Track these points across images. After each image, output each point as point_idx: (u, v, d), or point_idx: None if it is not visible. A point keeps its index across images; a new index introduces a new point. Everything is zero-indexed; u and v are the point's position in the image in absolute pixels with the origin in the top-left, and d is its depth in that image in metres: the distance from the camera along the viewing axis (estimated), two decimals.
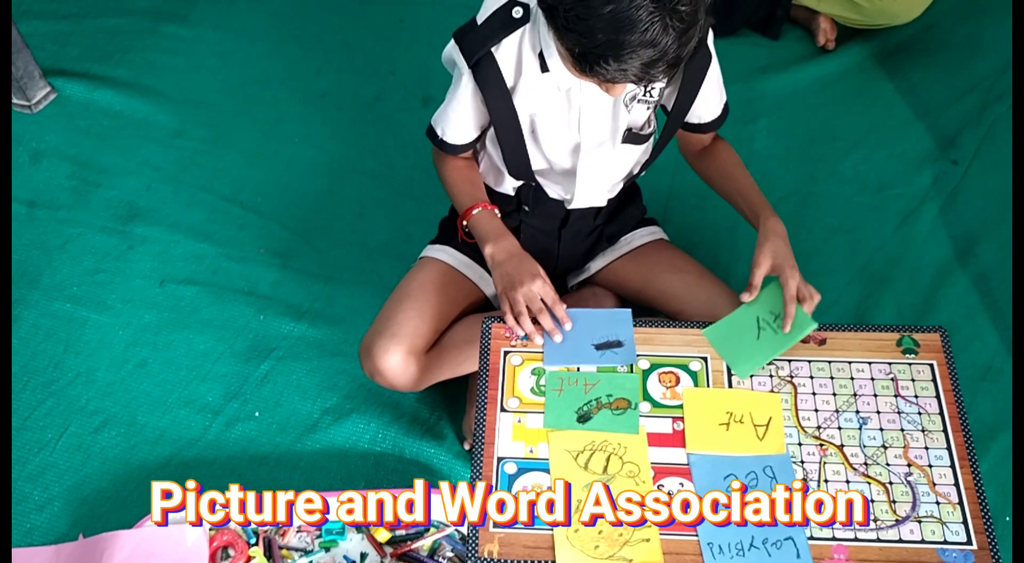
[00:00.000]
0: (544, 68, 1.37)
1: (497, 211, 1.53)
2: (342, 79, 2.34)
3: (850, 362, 1.40)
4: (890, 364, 1.39)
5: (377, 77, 2.35)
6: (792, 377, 1.38)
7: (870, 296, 1.90)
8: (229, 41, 2.43)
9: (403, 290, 1.61)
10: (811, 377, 1.38)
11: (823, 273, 1.94)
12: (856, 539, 1.23)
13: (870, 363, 1.39)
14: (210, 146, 2.21)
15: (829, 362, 1.40)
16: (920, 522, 1.25)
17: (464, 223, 1.53)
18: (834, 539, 1.23)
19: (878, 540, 1.23)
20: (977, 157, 2.12)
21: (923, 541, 1.23)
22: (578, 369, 1.40)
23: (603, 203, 1.62)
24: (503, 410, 1.37)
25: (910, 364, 1.39)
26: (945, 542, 1.23)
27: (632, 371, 1.39)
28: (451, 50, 1.42)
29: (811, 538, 1.23)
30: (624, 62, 1.13)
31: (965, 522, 1.24)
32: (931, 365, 1.39)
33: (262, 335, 1.88)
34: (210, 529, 1.56)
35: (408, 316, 1.55)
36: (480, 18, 1.37)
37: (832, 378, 1.38)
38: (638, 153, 1.55)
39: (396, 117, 2.26)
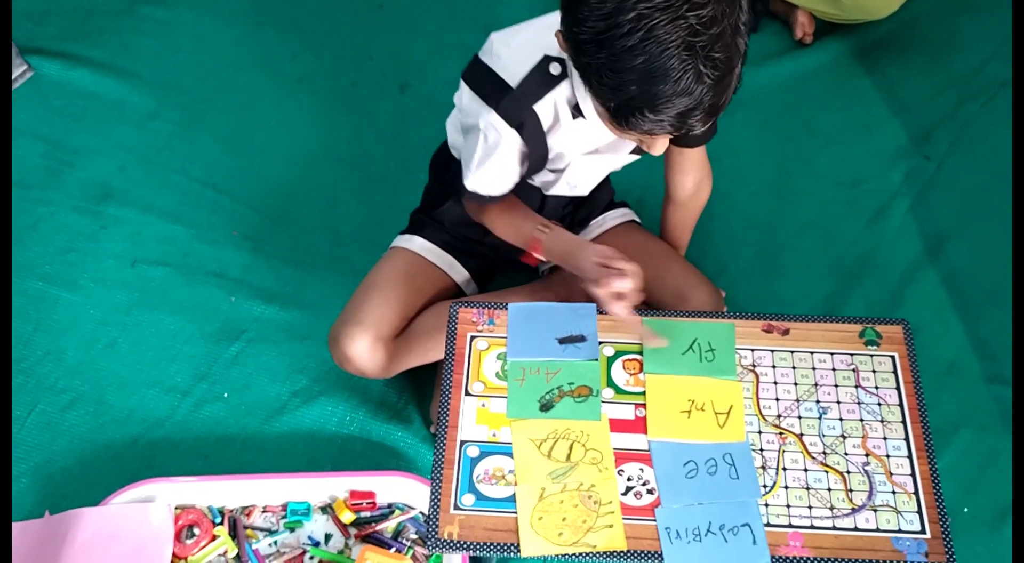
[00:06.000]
0: (576, 114, 1.35)
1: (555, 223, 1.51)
2: (319, 64, 2.33)
3: (812, 352, 1.40)
4: (852, 355, 1.40)
5: (354, 63, 2.33)
6: (755, 366, 1.39)
7: (839, 291, 1.90)
8: (205, 23, 2.41)
9: (371, 280, 1.62)
10: (773, 366, 1.39)
11: (794, 268, 1.95)
12: (812, 527, 1.24)
13: (832, 354, 1.40)
14: (184, 129, 2.19)
15: (792, 352, 1.40)
16: (876, 511, 1.26)
17: (537, 252, 1.50)
18: (790, 526, 1.24)
19: (834, 528, 1.24)
20: (950, 154, 2.12)
21: (878, 529, 1.24)
22: None
23: (586, 193, 1.62)
24: (468, 394, 1.37)
25: (872, 355, 1.40)
26: (899, 531, 1.24)
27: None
28: (478, 108, 1.36)
29: (768, 524, 1.24)
30: (659, 113, 1.10)
31: (920, 511, 1.25)
32: (892, 357, 1.40)
33: (232, 317, 1.88)
34: (175, 508, 1.56)
35: (375, 304, 1.56)
36: (501, 70, 1.33)
37: (794, 368, 1.39)
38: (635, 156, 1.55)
39: (372, 104, 2.25)
